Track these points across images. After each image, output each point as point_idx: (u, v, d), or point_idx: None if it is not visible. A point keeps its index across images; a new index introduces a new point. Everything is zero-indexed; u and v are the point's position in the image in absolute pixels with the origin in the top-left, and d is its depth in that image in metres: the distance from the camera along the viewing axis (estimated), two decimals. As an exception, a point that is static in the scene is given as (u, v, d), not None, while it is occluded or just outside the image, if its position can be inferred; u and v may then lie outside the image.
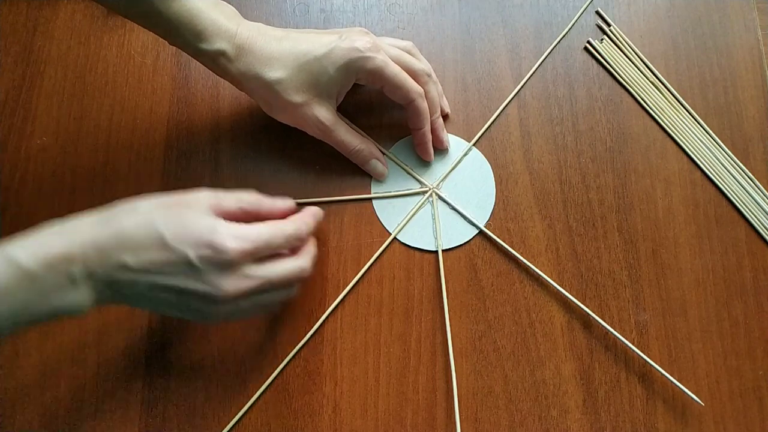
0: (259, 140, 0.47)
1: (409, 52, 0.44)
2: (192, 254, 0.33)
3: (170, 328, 0.43)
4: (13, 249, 0.31)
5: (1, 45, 0.49)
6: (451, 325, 0.44)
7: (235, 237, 0.34)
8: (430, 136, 0.46)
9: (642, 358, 0.43)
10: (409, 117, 0.44)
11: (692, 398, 0.42)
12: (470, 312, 0.44)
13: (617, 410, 0.43)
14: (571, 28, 0.51)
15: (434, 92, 0.45)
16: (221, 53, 0.39)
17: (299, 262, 0.38)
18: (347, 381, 0.43)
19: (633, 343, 0.44)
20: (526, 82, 0.49)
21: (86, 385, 0.42)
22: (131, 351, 0.43)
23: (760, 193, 0.47)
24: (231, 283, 0.34)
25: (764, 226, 0.47)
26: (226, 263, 0.34)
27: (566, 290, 0.44)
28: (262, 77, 0.40)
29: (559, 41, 0.50)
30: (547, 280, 0.44)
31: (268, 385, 0.42)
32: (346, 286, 0.44)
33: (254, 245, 0.35)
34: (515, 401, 0.43)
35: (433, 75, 0.45)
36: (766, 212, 0.47)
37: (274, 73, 0.40)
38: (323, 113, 0.41)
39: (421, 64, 0.44)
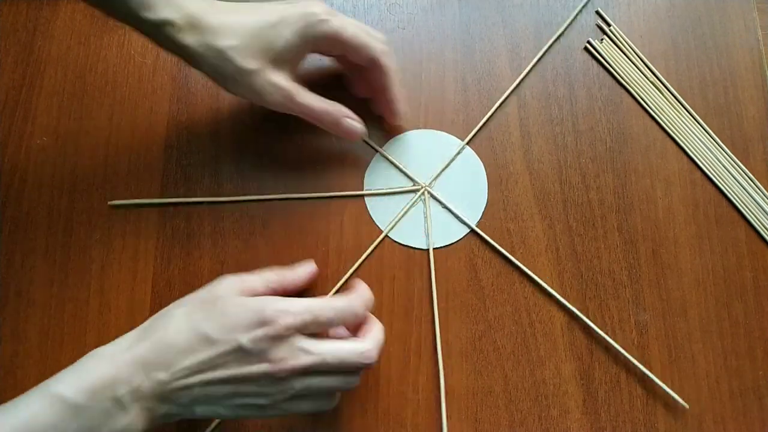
0: (260, 140, 0.47)
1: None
2: (243, 339, 0.33)
3: (170, 328, 0.43)
4: (55, 384, 0.31)
5: (1, 45, 0.49)
6: (451, 325, 0.44)
7: (282, 310, 0.33)
8: (399, 95, 0.44)
9: (637, 365, 0.43)
10: (375, 78, 0.42)
11: (678, 401, 0.42)
12: (470, 312, 0.44)
13: (617, 410, 0.43)
14: (569, 25, 0.51)
15: (394, 65, 0.42)
16: (168, 23, 0.37)
17: (360, 345, 0.35)
18: (347, 381, 0.43)
19: (633, 344, 0.44)
20: (523, 79, 0.49)
21: (86, 385, 0.42)
22: (131, 351, 0.43)
23: (760, 193, 0.47)
24: (286, 357, 0.33)
25: (764, 226, 0.47)
26: (278, 336, 0.33)
27: (566, 290, 0.45)
28: (213, 45, 0.38)
29: (557, 38, 0.50)
30: (539, 282, 0.44)
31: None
32: (340, 284, 0.44)
33: (302, 317, 0.34)
34: (515, 401, 0.43)
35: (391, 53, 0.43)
36: (766, 212, 0.47)
37: (227, 41, 0.38)
38: (281, 79, 0.39)
39: (379, 35, 0.42)
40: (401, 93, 0.44)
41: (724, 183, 0.48)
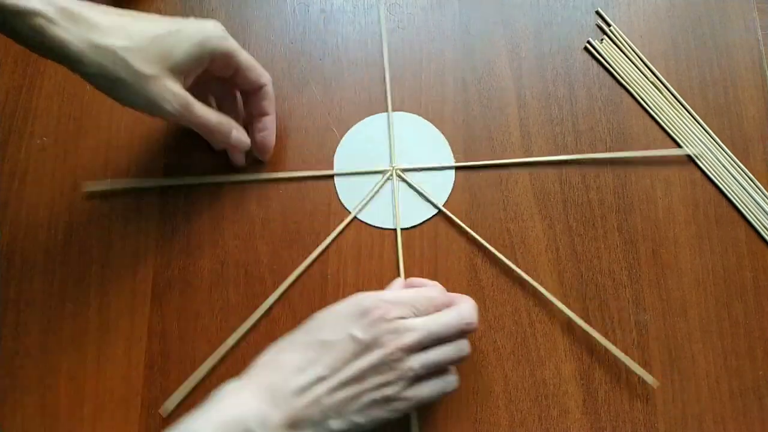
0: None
1: None
2: (355, 330, 0.34)
3: (169, 328, 0.43)
4: (192, 423, 0.32)
5: (1, 45, 0.49)
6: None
7: (379, 298, 0.36)
8: (275, 125, 0.45)
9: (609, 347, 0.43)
10: (257, 103, 0.43)
11: (646, 379, 0.42)
12: (470, 312, 0.44)
13: (617, 410, 0.43)
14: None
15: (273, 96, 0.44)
16: (37, 14, 0.32)
17: (456, 309, 0.37)
18: (347, 381, 0.43)
19: (633, 344, 0.44)
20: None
21: (86, 385, 0.42)
22: (131, 351, 0.43)
23: (760, 193, 0.47)
24: (395, 337, 0.34)
25: (764, 226, 0.47)
26: (382, 320, 0.35)
27: (566, 289, 0.45)
28: (103, 45, 0.34)
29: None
30: (531, 281, 0.44)
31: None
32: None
33: (399, 301, 0.36)
34: (515, 401, 0.43)
35: None
36: (766, 212, 0.47)
37: (119, 41, 0.35)
38: (178, 88, 0.37)
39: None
40: (275, 125, 0.45)
41: (724, 183, 0.48)
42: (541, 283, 0.45)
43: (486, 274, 0.45)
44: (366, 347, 0.34)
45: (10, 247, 0.45)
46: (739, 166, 0.48)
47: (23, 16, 0.32)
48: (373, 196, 0.46)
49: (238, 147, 0.44)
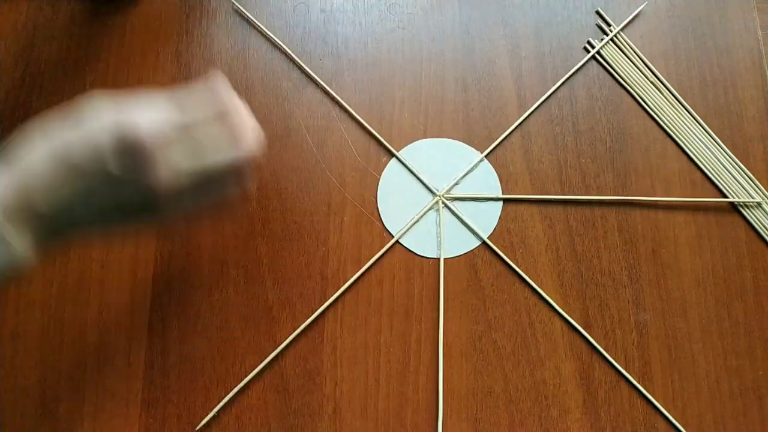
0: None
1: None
2: (112, 167, 0.29)
3: (170, 328, 0.43)
4: None
5: (1, 45, 0.49)
6: (451, 325, 0.44)
7: (145, 121, 0.29)
8: None
9: (637, 386, 0.43)
10: None
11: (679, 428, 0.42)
12: (470, 312, 0.44)
13: (617, 410, 0.43)
14: (576, 70, 0.51)
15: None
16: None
17: (237, 148, 0.31)
18: (347, 381, 0.43)
19: (633, 344, 0.44)
20: (537, 108, 0.49)
21: (86, 384, 0.42)
22: (131, 351, 0.43)
23: (760, 193, 0.47)
24: (164, 180, 0.29)
25: (764, 226, 0.47)
26: (148, 156, 0.29)
27: (566, 290, 0.45)
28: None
29: (565, 81, 0.50)
30: (545, 296, 0.44)
31: (267, 384, 0.42)
32: (346, 285, 0.44)
33: (171, 123, 0.30)
34: (515, 401, 0.43)
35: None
36: (766, 212, 0.47)
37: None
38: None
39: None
40: None
41: (724, 183, 0.48)
42: (541, 284, 0.45)
43: (486, 275, 0.45)
44: (121, 184, 0.29)
45: (10, 247, 0.45)
46: (739, 166, 0.48)
47: None
48: (417, 222, 0.46)
49: None
